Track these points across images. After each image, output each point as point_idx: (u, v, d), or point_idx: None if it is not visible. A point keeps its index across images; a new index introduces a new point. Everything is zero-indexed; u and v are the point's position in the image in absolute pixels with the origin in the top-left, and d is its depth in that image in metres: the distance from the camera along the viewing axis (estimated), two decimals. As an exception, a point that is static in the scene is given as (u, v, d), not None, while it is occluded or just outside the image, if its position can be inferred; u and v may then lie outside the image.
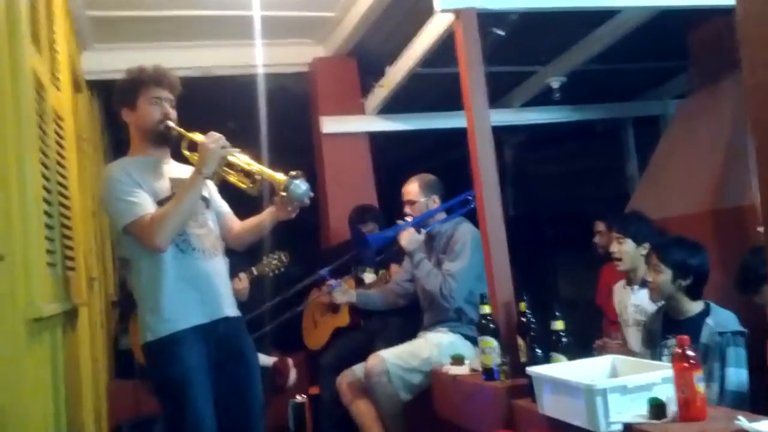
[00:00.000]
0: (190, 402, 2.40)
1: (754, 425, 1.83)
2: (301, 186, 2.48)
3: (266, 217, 2.68)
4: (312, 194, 2.54)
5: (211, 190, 2.73)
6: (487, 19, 3.62)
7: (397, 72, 4.62)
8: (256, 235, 2.78)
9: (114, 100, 2.64)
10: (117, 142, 5.20)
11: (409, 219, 3.68)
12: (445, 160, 5.48)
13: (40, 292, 2.13)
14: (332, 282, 4.00)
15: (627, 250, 3.32)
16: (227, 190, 2.75)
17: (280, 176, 2.49)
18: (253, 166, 2.55)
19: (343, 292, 3.96)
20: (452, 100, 3.32)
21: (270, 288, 4.35)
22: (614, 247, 3.36)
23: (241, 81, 4.90)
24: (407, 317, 3.95)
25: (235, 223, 2.79)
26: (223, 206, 2.80)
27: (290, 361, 4.31)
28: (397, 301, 3.92)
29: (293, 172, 2.49)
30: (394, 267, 4.14)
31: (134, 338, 4.09)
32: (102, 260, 4.48)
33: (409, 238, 3.58)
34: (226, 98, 5.09)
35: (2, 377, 1.88)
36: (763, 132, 1.51)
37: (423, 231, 3.64)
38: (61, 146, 2.89)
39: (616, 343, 3.35)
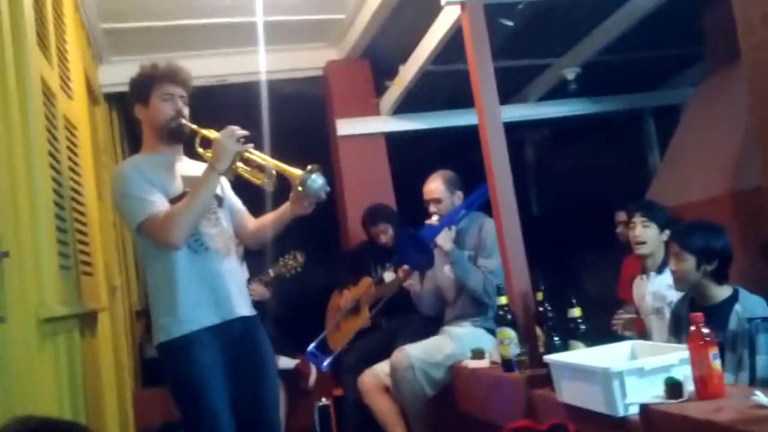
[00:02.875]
0: (206, 401, 2.40)
1: (773, 400, 1.78)
2: (317, 180, 2.43)
3: (282, 213, 2.64)
4: (329, 188, 2.49)
5: (224, 187, 2.69)
6: (495, 10, 3.60)
7: (409, 70, 4.62)
8: (272, 232, 2.73)
9: (129, 97, 2.63)
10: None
11: (435, 218, 3.61)
12: (462, 159, 5.47)
13: (52, 292, 2.16)
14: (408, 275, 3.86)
15: (651, 234, 3.27)
16: (243, 187, 2.73)
17: (296, 171, 2.45)
18: (269, 161, 2.51)
19: (417, 281, 3.82)
20: (466, 97, 3.29)
21: (294, 290, 4.36)
22: (638, 231, 3.27)
23: (256, 88, 4.92)
24: (427, 315, 3.92)
25: (250, 221, 2.75)
26: (237, 203, 2.76)
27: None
28: (439, 304, 3.80)
29: (310, 167, 2.45)
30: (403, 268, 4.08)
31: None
32: (125, 270, 4.53)
33: (445, 237, 3.53)
34: (242, 105, 5.13)
35: (16, 376, 1.89)
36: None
37: (453, 228, 3.60)
38: (74, 153, 2.93)
39: (628, 317, 3.31)
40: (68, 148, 2.79)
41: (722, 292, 2.75)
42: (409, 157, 5.85)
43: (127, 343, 4.22)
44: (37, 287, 2.06)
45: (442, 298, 3.75)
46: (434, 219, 3.62)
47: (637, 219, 3.30)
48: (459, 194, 3.69)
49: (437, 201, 3.67)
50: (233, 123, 2.58)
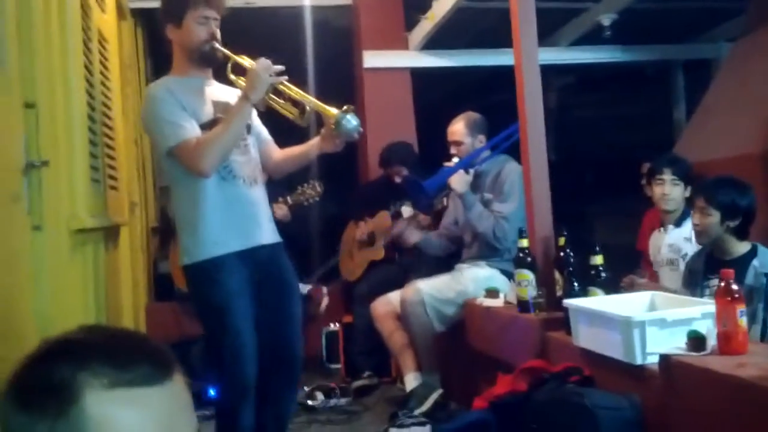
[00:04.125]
0: (230, 325, 2.42)
1: (796, 359, 1.79)
2: (352, 121, 2.42)
3: (311, 147, 2.63)
4: (362, 130, 2.49)
5: (252, 115, 2.65)
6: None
7: (443, 5, 4.51)
8: (298, 165, 2.75)
9: (160, 15, 2.56)
10: (160, 71, 5.21)
11: (455, 160, 3.60)
12: (486, 99, 5.40)
13: (83, 204, 2.17)
14: (400, 225, 3.99)
15: (679, 192, 3.25)
16: (268, 118, 2.71)
17: (332, 110, 2.44)
18: (305, 96, 2.49)
19: (413, 233, 3.89)
20: (499, 37, 3.19)
21: (310, 218, 4.38)
22: (667, 189, 3.25)
23: (283, 13, 4.83)
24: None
25: (276, 151, 2.74)
26: (264, 132, 2.74)
27: (324, 289, 4.36)
28: (450, 246, 3.85)
29: (345, 107, 2.44)
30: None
31: (173, 263, 4.18)
32: (143, 187, 4.55)
33: (459, 180, 3.49)
34: (268, 30, 5.04)
35: (50, 283, 1.92)
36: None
37: (471, 171, 3.58)
38: (105, 67, 2.90)
39: (642, 281, 3.31)
40: (100, 62, 2.77)
41: (741, 247, 2.76)
42: (434, 95, 5.79)
43: (143, 257, 4.28)
44: (70, 198, 2.07)
45: (454, 238, 3.78)
46: (454, 161, 3.61)
47: (667, 176, 3.26)
48: (481, 138, 3.66)
49: (458, 143, 3.65)
50: (258, 48, 2.53)
